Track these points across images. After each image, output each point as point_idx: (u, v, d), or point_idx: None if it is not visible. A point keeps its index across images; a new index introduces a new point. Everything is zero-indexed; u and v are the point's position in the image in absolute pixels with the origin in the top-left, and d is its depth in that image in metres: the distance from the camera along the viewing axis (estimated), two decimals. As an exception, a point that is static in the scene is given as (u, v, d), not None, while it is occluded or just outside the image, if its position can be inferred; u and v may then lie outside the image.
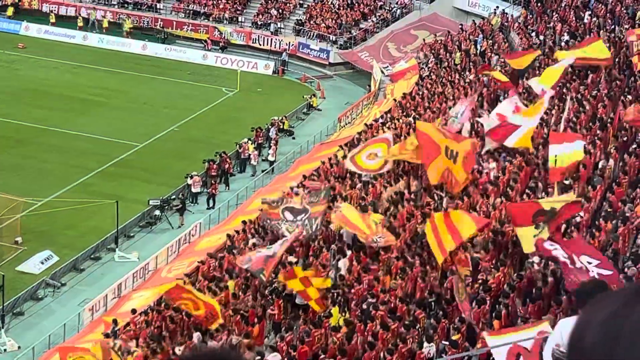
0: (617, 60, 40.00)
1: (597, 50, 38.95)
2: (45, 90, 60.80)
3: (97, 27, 73.78)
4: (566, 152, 29.09)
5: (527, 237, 24.45)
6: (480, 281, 24.21)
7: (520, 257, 25.22)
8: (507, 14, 57.87)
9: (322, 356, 23.12)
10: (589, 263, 20.37)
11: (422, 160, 32.26)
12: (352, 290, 26.40)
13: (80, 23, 74.08)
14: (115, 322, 30.11)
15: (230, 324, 26.84)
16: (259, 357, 23.77)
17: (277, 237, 31.40)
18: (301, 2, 73.47)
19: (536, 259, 24.27)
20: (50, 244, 40.58)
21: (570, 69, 39.79)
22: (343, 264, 28.75)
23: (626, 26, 44.28)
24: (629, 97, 34.54)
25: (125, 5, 75.78)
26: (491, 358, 18.82)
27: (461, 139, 32.31)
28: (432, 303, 24.47)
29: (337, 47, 68.05)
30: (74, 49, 70.24)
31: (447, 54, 54.69)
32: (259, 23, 72.02)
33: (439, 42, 59.20)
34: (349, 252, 29.23)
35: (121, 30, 72.92)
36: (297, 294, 26.79)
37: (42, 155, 50.10)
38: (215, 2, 74.13)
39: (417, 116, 42.31)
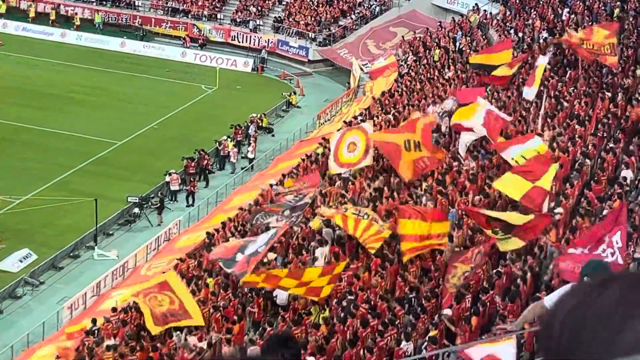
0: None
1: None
2: (24, 88, 60.56)
3: (100, 27, 73.41)
4: (524, 149, 29.43)
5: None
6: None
7: (498, 254, 25.30)
8: (485, 11, 58.00)
9: (302, 352, 23.13)
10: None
11: (392, 164, 32.98)
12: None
13: (77, 22, 73.76)
14: (94, 321, 30.05)
15: (209, 322, 26.85)
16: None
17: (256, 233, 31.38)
18: (280, -1, 73.51)
19: (513, 255, 24.39)
20: (28, 242, 40.41)
21: (548, 65, 39.87)
22: (321, 253, 28.74)
23: (604, 23, 44.44)
24: (608, 94, 34.72)
25: (104, 2, 75.53)
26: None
27: (412, 126, 33.07)
28: (412, 299, 24.53)
29: (316, 45, 68.07)
30: (52, 47, 70.01)
31: (426, 51, 54.78)
32: (238, 20, 71.95)
33: (418, 39, 59.29)
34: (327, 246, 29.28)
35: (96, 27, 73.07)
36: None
37: (20, 153, 49.88)
38: (194, 0, 74.01)
39: (396, 113, 42.37)
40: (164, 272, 29.94)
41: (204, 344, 25.58)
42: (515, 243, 24.27)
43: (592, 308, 2.09)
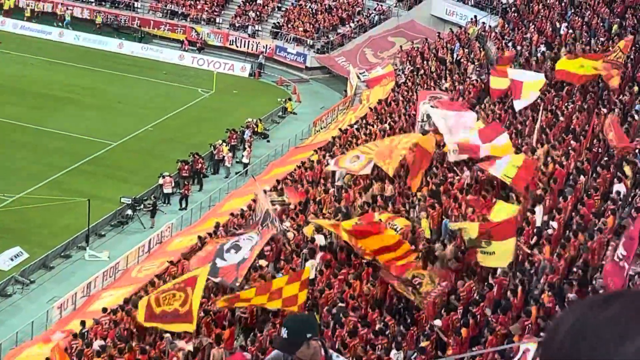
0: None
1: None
2: (20, 87, 60.53)
3: (68, 26, 73.46)
4: (503, 168, 29.66)
5: (508, 249, 24.61)
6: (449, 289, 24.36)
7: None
8: (484, 23, 58.12)
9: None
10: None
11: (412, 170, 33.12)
12: (323, 295, 26.42)
13: (27, 14, 74.28)
14: (83, 323, 30.03)
15: (200, 325, 26.81)
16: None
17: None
18: (279, 5, 73.52)
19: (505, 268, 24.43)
20: (20, 240, 40.35)
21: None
22: (311, 265, 28.76)
23: (602, 39, 44.58)
24: (604, 109, 34.78)
25: (103, 2, 75.52)
26: None
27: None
28: (402, 309, 24.53)
29: (314, 51, 68.12)
30: (50, 46, 69.96)
31: (424, 62, 54.84)
32: (237, 25, 71.99)
33: (416, 49, 59.36)
34: (319, 255, 29.27)
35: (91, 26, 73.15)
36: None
37: (15, 152, 49.84)
38: (193, 3, 74.04)
39: (392, 123, 42.46)
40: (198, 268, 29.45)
41: (190, 347, 25.55)
42: (499, 257, 24.48)
43: (595, 320, 2.15)
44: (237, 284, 28.61)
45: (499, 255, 24.61)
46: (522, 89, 37.79)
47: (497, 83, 40.89)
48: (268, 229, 31.50)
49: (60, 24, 73.62)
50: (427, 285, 23.83)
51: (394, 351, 21.94)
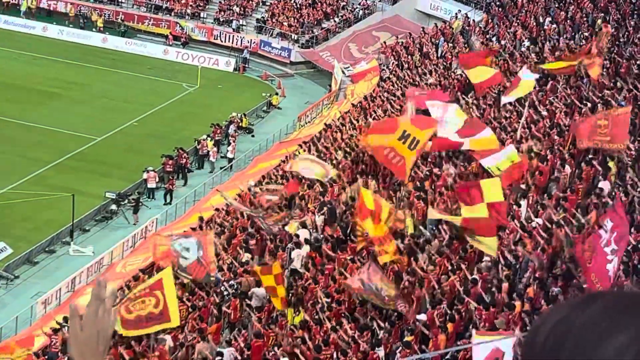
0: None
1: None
2: (3, 81, 60.24)
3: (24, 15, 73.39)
4: (500, 161, 29.54)
5: (493, 244, 24.68)
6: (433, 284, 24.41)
7: (476, 261, 25.37)
8: (468, 18, 58.18)
9: (273, 352, 23.13)
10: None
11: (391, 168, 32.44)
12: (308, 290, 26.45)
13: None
14: (65, 319, 29.96)
15: (186, 321, 26.79)
16: (219, 358, 23.78)
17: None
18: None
19: (490, 263, 24.49)
20: (4, 236, 40.20)
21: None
22: (297, 255, 28.76)
23: (585, 33, 44.67)
24: (588, 104, 34.82)
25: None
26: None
27: (425, 126, 32.46)
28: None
29: (298, 46, 68.09)
30: (33, 40, 69.64)
31: (409, 56, 54.86)
32: (221, 20, 71.89)
33: (400, 44, 59.38)
34: (305, 248, 29.31)
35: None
36: (265, 290, 26.48)
37: (-1, 146, 49.72)
38: (177, -3, 73.90)
39: (376, 117, 42.46)
40: (162, 269, 29.46)
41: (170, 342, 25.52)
42: (488, 247, 24.47)
43: (576, 321, 2.16)
44: (212, 278, 28.63)
45: (488, 244, 24.69)
46: (518, 86, 37.36)
47: (480, 73, 40.12)
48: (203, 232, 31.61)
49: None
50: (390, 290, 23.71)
51: (377, 348, 21.97)
